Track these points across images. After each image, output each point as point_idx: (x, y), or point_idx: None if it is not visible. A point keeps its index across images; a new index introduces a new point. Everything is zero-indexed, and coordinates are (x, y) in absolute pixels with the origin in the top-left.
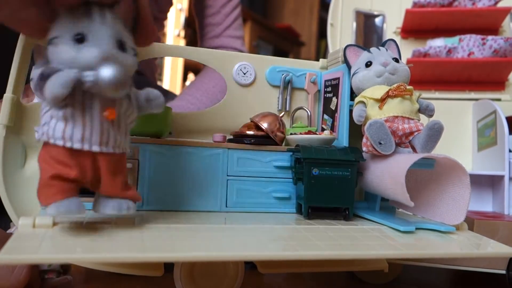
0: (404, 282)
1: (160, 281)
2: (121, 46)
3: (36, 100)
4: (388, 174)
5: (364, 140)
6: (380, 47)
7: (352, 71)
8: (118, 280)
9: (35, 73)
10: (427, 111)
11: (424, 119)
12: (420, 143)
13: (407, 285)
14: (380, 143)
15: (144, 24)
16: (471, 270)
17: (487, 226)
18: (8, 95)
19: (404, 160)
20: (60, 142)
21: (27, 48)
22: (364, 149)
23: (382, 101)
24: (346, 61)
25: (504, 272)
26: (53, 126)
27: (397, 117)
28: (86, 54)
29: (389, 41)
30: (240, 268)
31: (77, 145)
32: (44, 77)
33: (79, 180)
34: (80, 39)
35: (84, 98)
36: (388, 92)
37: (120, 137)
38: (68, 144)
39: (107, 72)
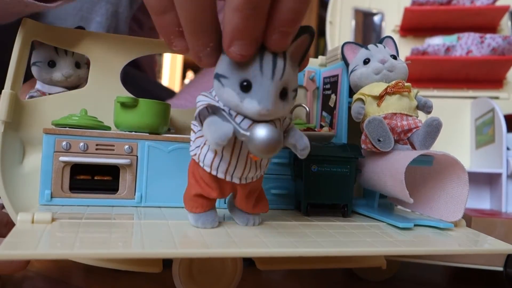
0: (402, 279)
1: (158, 277)
2: (283, 94)
3: (39, 86)
4: (387, 171)
5: (363, 137)
6: (378, 44)
7: (350, 69)
8: (116, 276)
9: (202, 101)
10: (425, 108)
11: (422, 116)
12: (418, 140)
13: (405, 282)
14: (379, 140)
15: (307, 58)
16: (468, 267)
17: (484, 223)
18: (6, 90)
19: (403, 157)
20: (207, 169)
21: (25, 44)
22: (363, 146)
23: (380, 98)
24: (344, 58)
25: (501, 269)
26: (204, 153)
27: (395, 114)
28: (247, 106)
29: (386, 38)
30: (239, 264)
31: (220, 176)
32: (208, 112)
33: (218, 197)
34: (246, 86)
35: (236, 140)
36: (386, 89)
37: (260, 171)
38: (214, 173)
39: (261, 134)
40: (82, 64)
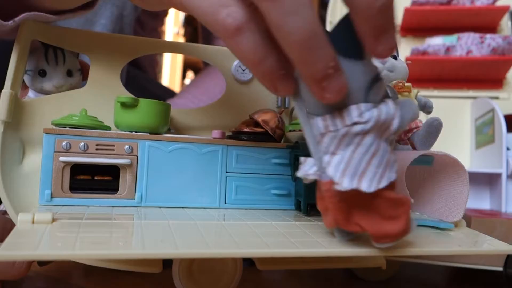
0: (402, 279)
1: (158, 278)
2: None
3: (31, 94)
4: None
5: None
6: None
7: None
8: (116, 276)
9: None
10: (426, 108)
11: (422, 117)
12: (419, 140)
13: (405, 282)
14: None
15: None
16: (468, 267)
17: (484, 223)
18: (6, 90)
19: (404, 157)
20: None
21: (25, 43)
22: None
23: None
24: None
25: (501, 269)
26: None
27: None
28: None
29: None
30: (239, 264)
31: None
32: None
33: None
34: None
35: None
36: None
37: None
38: None
39: None
40: (74, 71)
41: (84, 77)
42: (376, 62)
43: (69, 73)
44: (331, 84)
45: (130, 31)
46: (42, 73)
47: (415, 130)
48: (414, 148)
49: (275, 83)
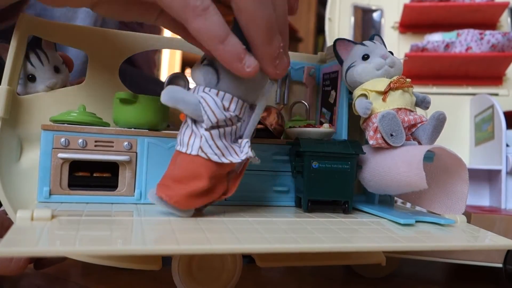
0: (401, 276)
1: (158, 275)
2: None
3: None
4: (400, 160)
5: (371, 133)
6: (375, 41)
7: (346, 65)
8: (115, 274)
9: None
10: (424, 103)
11: (422, 112)
12: (426, 134)
13: (404, 279)
14: (391, 135)
15: None
16: (467, 264)
17: (484, 220)
18: (3, 86)
19: (418, 147)
20: None
21: (22, 39)
22: (371, 142)
23: (385, 93)
24: (336, 55)
25: (500, 265)
26: None
27: (400, 109)
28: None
29: (376, 36)
30: (238, 261)
31: None
32: None
33: None
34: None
35: None
36: (390, 84)
37: None
38: None
39: None
40: (60, 65)
41: (69, 69)
42: (378, 58)
43: (57, 70)
44: (281, 62)
45: (115, 24)
46: (32, 78)
47: (419, 125)
48: (419, 143)
49: (240, 57)
